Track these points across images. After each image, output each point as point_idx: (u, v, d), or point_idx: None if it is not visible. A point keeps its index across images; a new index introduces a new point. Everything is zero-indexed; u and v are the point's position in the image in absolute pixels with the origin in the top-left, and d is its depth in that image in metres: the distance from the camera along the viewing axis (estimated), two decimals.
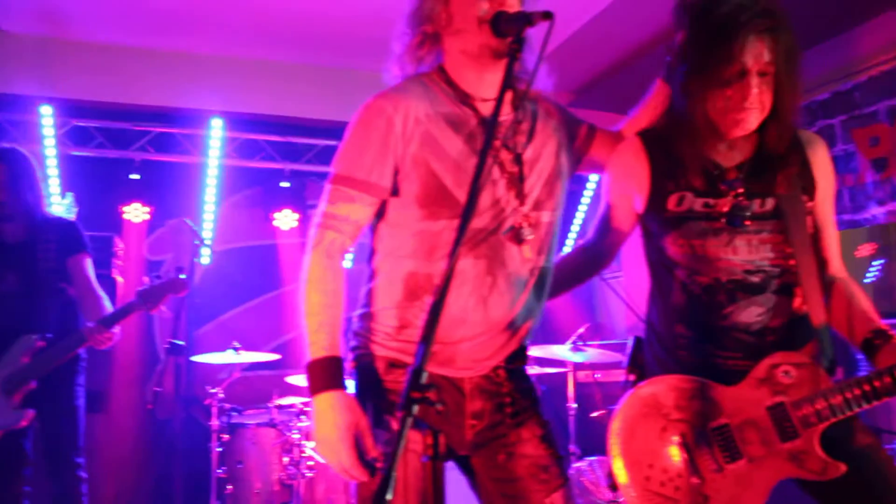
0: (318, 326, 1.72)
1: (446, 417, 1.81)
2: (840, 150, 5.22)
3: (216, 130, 5.59)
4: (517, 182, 1.84)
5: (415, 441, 1.66)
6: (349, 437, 1.65)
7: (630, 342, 2.10)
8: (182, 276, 3.49)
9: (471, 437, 1.85)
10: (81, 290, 3.51)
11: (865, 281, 5.51)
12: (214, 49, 5.51)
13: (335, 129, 5.32)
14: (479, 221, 1.78)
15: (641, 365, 2.04)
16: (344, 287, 1.79)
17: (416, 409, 1.22)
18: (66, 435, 3.41)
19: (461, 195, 1.75)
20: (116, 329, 3.36)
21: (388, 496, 1.16)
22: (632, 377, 2.04)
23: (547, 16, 1.59)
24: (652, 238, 2.01)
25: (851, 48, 5.34)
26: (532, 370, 4.98)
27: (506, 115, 1.87)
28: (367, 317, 1.88)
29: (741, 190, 1.88)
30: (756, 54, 1.72)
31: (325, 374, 1.69)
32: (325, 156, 5.89)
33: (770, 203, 1.88)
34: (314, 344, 1.72)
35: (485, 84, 1.84)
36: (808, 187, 1.91)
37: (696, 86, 1.80)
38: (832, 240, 1.98)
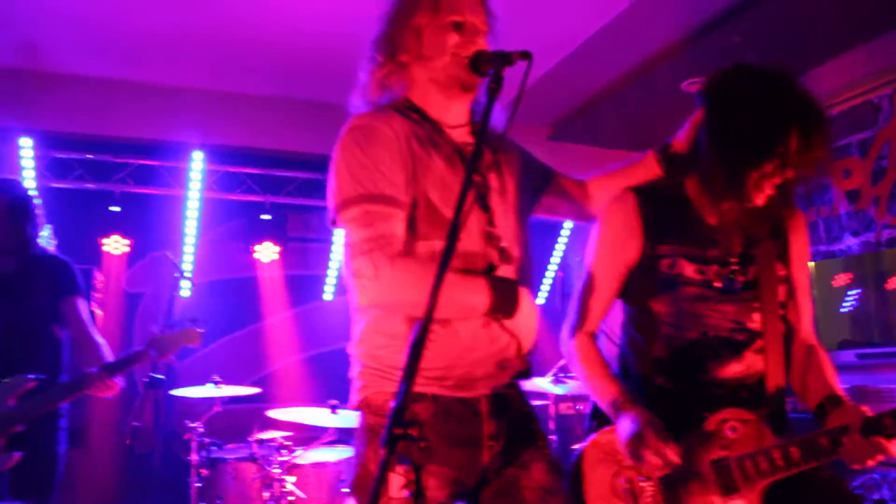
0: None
1: (429, 453, 1.79)
2: None
3: (197, 163, 5.59)
4: (488, 209, 1.84)
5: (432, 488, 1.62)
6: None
7: None
8: (197, 327, 3.32)
9: (488, 459, 1.81)
10: (77, 334, 3.34)
11: (842, 310, 5.58)
12: (195, 82, 5.51)
13: (315, 162, 5.39)
14: (469, 244, 1.76)
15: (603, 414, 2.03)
16: None
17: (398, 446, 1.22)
18: (39, 486, 3.14)
19: (447, 213, 1.74)
20: (120, 377, 3.16)
21: None
22: (594, 422, 2.08)
23: (525, 55, 1.62)
24: (637, 294, 2.01)
25: (820, 84, 5.46)
26: None
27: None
28: (370, 354, 1.83)
29: (735, 259, 1.95)
30: (796, 146, 1.75)
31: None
32: (306, 188, 5.93)
33: (752, 271, 1.95)
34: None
35: (452, 113, 1.89)
36: (784, 256, 2.00)
37: (742, 157, 1.79)
38: (805, 306, 2.05)
